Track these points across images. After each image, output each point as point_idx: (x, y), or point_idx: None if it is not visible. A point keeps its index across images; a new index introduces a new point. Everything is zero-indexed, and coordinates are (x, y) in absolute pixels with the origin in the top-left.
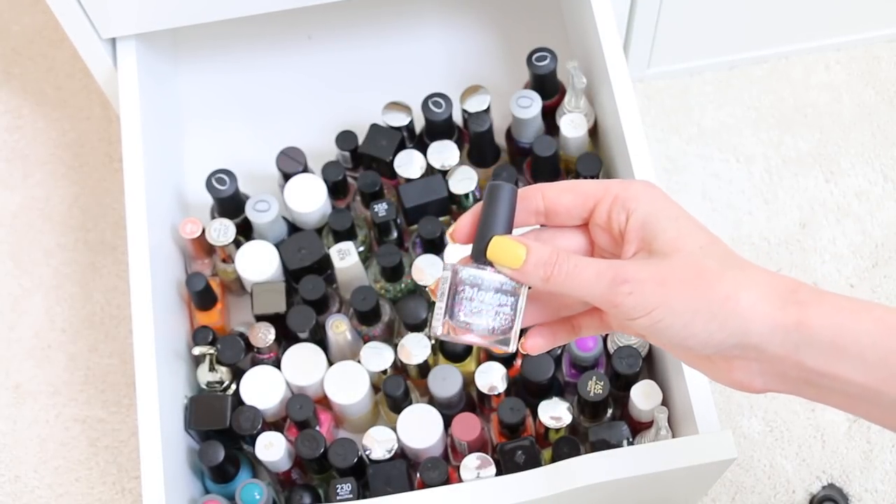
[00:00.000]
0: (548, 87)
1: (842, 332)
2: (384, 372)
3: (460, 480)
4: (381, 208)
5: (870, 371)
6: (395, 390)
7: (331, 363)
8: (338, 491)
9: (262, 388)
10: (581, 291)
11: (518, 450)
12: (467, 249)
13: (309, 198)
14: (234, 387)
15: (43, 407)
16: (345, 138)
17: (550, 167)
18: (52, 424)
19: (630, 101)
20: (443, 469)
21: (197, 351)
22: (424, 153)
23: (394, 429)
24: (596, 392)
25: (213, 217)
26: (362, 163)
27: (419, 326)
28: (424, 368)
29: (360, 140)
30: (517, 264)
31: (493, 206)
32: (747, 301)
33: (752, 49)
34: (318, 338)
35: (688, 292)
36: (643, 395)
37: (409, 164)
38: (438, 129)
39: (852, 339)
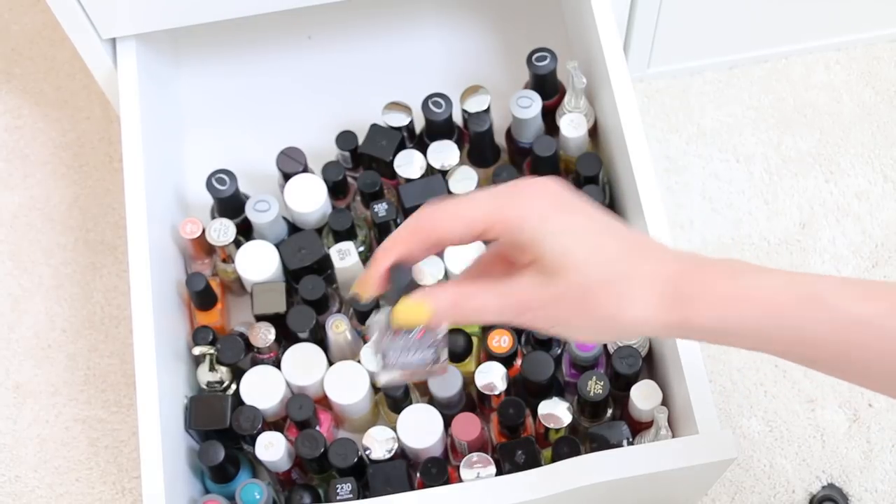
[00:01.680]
0: (548, 87)
1: (725, 323)
2: None
3: (460, 480)
4: (381, 208)
5: (760, 346)
6: (395, 390)
7: (331, 363)
8: (338, 491)
9: (262, 388)
10: (491, 321)
11: (518, 450)
12: (466, 247)
13: (309, 198)
14: (234, 387)
15: (43, 407)
16: (345, 138)
17: (550, 167)
18: (52, 424)
19: (630, 101)
20: (443, 469)
21: (197, 351)
22: (424, 153)
23: (394, 429)
24: (596, 392)
25: (213, 217)
26: (362, 163)
27: None
28: None
29: (360, 140)
30: (424, 320)
31: (393, 283)
32: (631, 315)
33: (752, 49)
34: (318, 338)
35: (577, 313)
36: (643, 395)
37: (409, 164)
38: (438, 129)
39: (737, 326)
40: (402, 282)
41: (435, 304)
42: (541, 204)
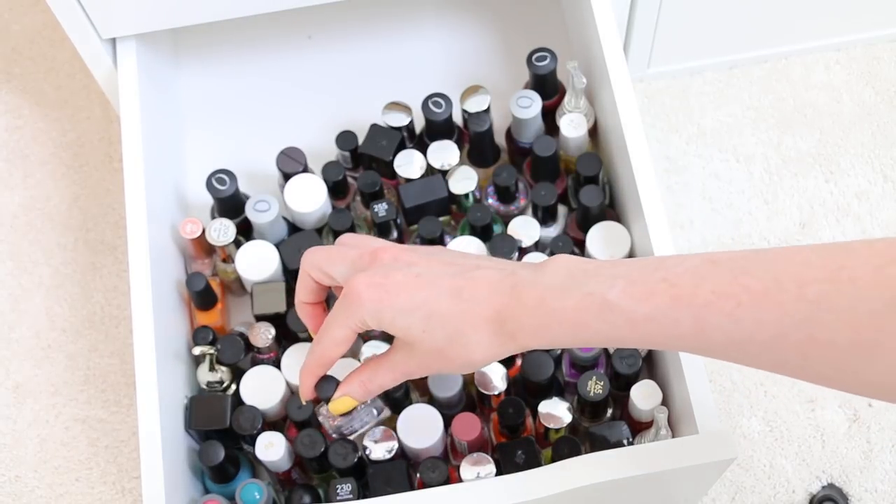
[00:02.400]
0: (548, 87)
1: (549, 342)
2: None
3: (460, 480)
4: (381, 208)
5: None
6: (395, 390)
7: None
8: (338, 491)
9: (262, 388)
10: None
11: (518, 450)
12: (464, 245)
13: (309, 198)
14: (234, 387)
15: (43, 407)
16: (345, 138)
17: (550, 167)
18: (52, 424)
19: (630, 101)
20: (443, 469)
21: (197, 351)
22: (424, 153)
23: (394, 429)
24: (596, 392)
25: (213, 217)
26: (362, 163)
27: None
28: None
29: (360, 140)
30: (356, 404)
31: (320, 394)
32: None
33: (752, 49)
34: None
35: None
36: (643, 395)
37: (409, 164)
38: (438, 129)
39: (558, 342)
40: (327, 392)
41: (351, 394)
42: (370, 302)
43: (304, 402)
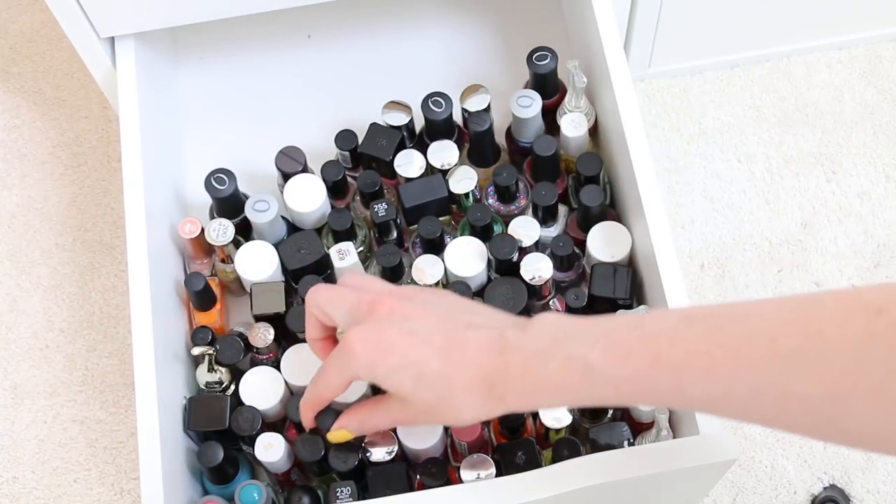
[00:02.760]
0: (548, 86)
1: (535, 406)
2: None
3: (460, 482)
4: (380, 208)
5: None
6: None
7: None
8: (338, 494)
9: (261, 389)
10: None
11: (518, 451)
12: (464, 244)
13: (308, 198)
14: (233, 387)
15: (41, 408)
16: (344, 138)
17: (551, 167)
18: (50, 425)
19: (631, 101)
20: (443, 470)
21: (196, 351)
22: (424, 153)
23: (394, 430)
24: None
25: (212, 217)
26: (362, 162)
27: None
28: None
29: (360, 139)
30: (351, 436)
31: (321, 424)
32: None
33: (754, 48)
34: None
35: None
36: None
37: (408, 163)
38: (438, 128)
39: (543, 405)
40: (326, 423)
41: (348, 428)
42: (364, 357)
43: (306, 430)
